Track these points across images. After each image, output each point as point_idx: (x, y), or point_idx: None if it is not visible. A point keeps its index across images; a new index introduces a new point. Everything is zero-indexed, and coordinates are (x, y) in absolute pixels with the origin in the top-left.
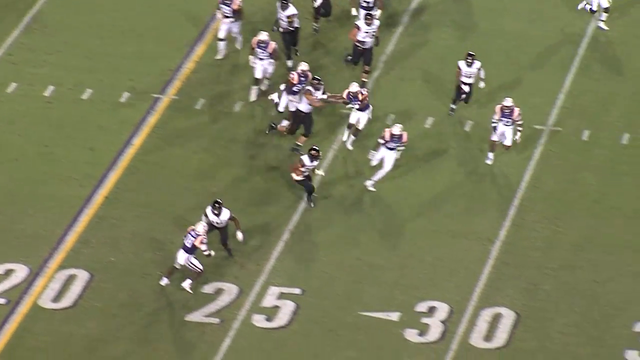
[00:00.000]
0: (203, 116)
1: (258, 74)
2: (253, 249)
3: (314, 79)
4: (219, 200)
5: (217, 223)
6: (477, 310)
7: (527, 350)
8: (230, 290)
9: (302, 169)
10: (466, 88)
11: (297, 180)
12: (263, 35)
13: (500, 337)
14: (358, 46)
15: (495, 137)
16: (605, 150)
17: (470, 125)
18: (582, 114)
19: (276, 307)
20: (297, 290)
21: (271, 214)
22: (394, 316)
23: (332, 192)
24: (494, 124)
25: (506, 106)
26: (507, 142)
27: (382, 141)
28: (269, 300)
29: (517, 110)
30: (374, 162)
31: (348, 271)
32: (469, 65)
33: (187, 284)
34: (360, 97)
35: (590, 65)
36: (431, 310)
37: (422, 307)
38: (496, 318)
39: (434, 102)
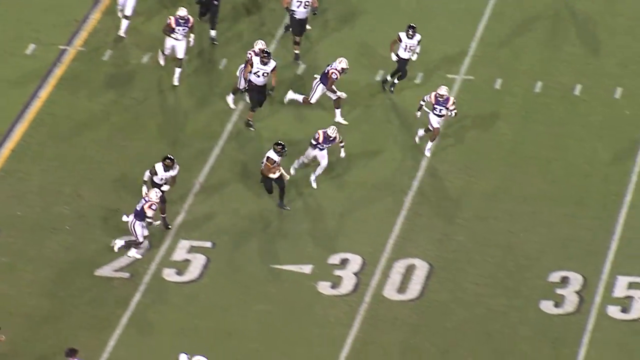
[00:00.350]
0: (110, 68)
1: (181, 54)
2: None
3: (263, 52)
4: (171, 156)
5: (162, 179)
6: (390, 262)
7: (441, 301)
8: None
9: (274, 165)
10: (403, 59)
11: (275, 179)
12: (183, 11)
13: (414, 288)
14: (294, 15)
15: (432, 126)
16: (519, 98)
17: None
18: (494, 62)
19: (187, 261)
20: (207, 244)
21: (182, 166)
22: (306, 269)
23: (245, 146)
24: (420, 108)
25: (440, 94)
26: (435, 124)
27: (314, 142)
28: (179, 254)
29: (451, 99)
30: (305, 161)
31: (259, 224)
32: (410, 37)
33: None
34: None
35: (503, 12)
36: (344, 263)
37: (334, 259)
38: (409, 270)
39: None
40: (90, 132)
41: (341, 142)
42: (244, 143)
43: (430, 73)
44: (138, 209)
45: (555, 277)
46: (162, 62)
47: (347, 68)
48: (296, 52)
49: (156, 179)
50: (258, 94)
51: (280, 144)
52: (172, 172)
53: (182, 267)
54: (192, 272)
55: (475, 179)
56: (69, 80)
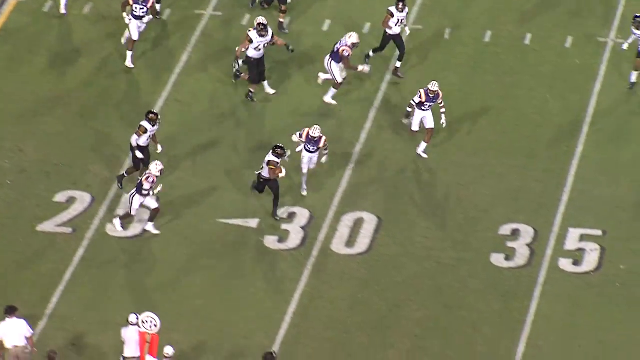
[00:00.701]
0: (52, 20)
1: (135, 35)
2: (106, 156)
3: (260, 25)
4: (155, 111)
5: (149, 137)
6: (338, 215)
7: (390, 255)
8: (82, 198)
9: (279, 168)
10: (394, 34)
11: (269, 182)
12: None
13: (362, 242)
14: None
15: (415, 128)
16: (468, 48)
17: None
18: (443, 11)
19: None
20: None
21: (119, 125)
22: (253, 223)
23: (193, 103)
24: (410, 108)
25: (432, 90)
26: (429, 124)
27: (295, 139)
28: (123, 209)
29: (441, 94)
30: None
31: (205, 178)
32: (401, 10)
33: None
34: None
35: None
36: (291, 216)
37: (281, 213)
38: (358, 223)
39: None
40: (32, 86)
41: (325, 148)
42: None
43: (378, 22)
44: (137, 180)
45: (505, 229)
46: (129, 63)
47: (357, 43)
48: (281, 20)
49: (143, 140)
50: (259, 67)
51: (280, 147)
52: (157, 126)
53: (125, 222)
54: (137, 228)
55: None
56: (9, 32)
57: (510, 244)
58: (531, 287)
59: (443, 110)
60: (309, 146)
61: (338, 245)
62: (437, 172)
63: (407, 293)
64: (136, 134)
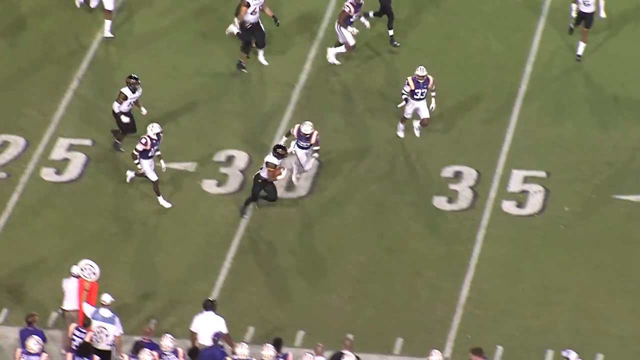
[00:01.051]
0: None
1: (109, 4)
2: (39, 98)
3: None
4: (134, 75)
5: (130, 103)
6: None
7: (330, 198)
8: (16, 142)
9: (278, 169)
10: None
11: (266, 185)
12: None
13: (303, 185)
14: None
15: (408, 115)
16: None
17: None
18: None
19: (66, 160)
20: (87, 142)
21: (55, 67)
22: (191, 167)
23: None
24: (404, 96)
25: (420, 76)
26: (424, 114)
27: (284, 140)
28: (58, 153)
29: (432, 79)
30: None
31: (142, 122)
32: None
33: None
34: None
35: None
36: (230, 160)
37: (220, 156)
38: (296, 165)
39: None
40: None
41: (317, 143)
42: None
43: None
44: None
45: (448, 172)
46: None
47: (362, 3)
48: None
49: (125, 106)
50: (255, 33)
51: (281, 147)
52: (139, 93)
53: (61, 166)
54: (72, 172)
55: (364, 71)
56: None
57: (452, 187)
58: (474, 230)
59: (434, 94)
60: (302, 142)
61: (278, 189)
62: (379, 113)
63: (348, 237)
64: (117, 101)
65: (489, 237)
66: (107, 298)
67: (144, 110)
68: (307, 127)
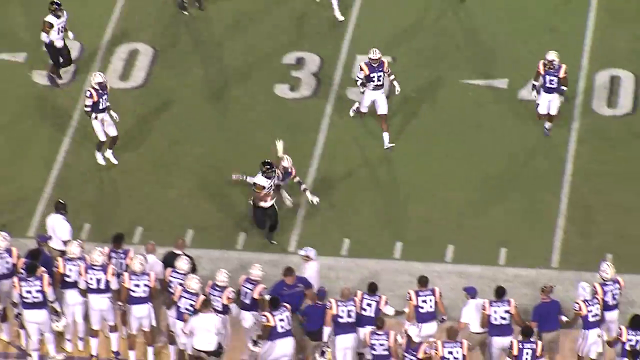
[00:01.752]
0: None
1: None
2: None
3: None
4: (57, 1)
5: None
6: (111, 47)
7: (167, 88)
8: None
9: (265, 192)
10: None
11: (266, 208)
12: None
13: (138, 75)
14: None
15: (363, 109)
16: None
17: None
18: None
19: None
20: None
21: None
22: (20, 57)
23: None
24: (360, 82)
25: (373, 59)
26: (382, 109)
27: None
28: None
29: (386, 62)
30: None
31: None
32: None
33: None
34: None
35: None
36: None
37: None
38: (132, 55)
39: None
40: None
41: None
42: None
43: None
44: None
45: (290, 58)
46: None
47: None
48: None
49: (54, 36)
50: None
51: (267, 163)
52: (64, 18)
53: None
54: None
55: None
56: None
57: (295, 74)
58: (319, 118)
59: (392, 77)
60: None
61: (113, 79)
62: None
63: (188, 128)
64: (43, 31)
65: (334, 125)
66: None
67: (70, 35)
68: (286, 161)
